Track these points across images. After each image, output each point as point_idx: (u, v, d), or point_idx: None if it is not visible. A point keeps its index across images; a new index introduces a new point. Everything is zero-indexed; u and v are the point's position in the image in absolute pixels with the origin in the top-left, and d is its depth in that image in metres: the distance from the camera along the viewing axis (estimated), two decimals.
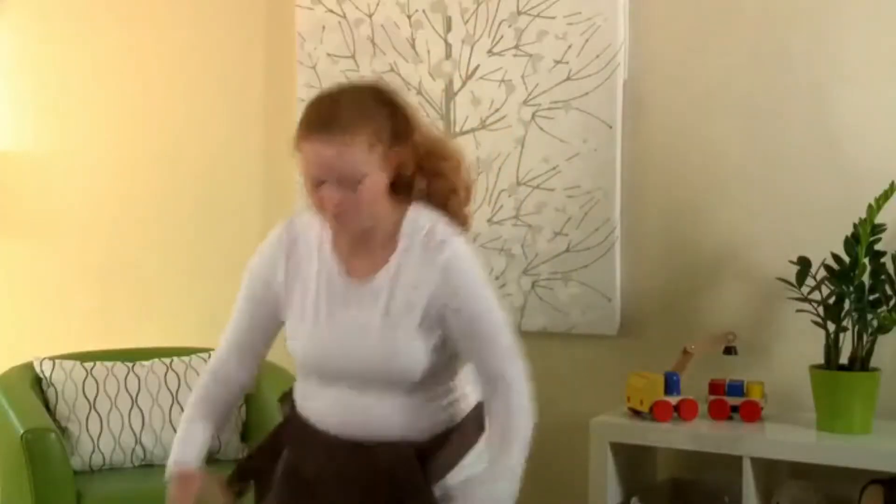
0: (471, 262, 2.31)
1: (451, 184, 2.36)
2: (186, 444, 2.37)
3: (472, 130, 3.73)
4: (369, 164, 2.21)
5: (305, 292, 2.33)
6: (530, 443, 2.38)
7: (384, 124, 2.24)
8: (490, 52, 3.71)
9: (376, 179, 2.23)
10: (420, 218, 2.30)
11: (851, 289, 3.02)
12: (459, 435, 2.38)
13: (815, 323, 3.09)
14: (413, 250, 2.28)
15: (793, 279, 3.12)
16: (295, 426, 2.40)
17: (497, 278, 3.69)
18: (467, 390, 2.43)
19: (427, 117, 3.79)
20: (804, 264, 3.12)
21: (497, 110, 3.70)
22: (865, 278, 3.05)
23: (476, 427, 2.42)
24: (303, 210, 2.40)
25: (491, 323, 2.35)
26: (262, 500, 2.43)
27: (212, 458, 3.81)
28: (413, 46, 3.81)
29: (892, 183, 3.03)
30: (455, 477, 2.36)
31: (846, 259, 3.04)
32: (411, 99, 3.78)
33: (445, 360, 2.33)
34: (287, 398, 2.46)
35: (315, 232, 2.35)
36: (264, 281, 2.42)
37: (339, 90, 2.29)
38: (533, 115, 3.66)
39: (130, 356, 3.89)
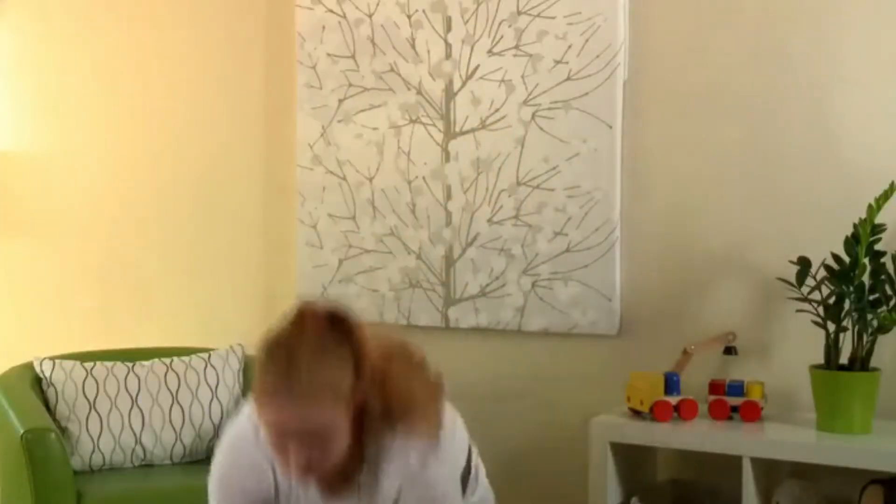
0: (448, 468, 2.22)
1: (399, 399, 2.16)
2: None
3: (472, 130, 3.73)
4: (336, 417, 2.07)
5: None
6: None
7: (345, 371, 2.08)
8: (490, 52, 3.71)
9: (344, 428, 2.08)
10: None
11: (851, 289, 3.02)
12: None
13: (815, 323, 3.09)
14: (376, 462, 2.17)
15: (793, 279, 3.12)
16: None
17: (497, 278, 3.70)
18: None
19: (428, 116, 3.79)
20: (804, 264, 3.12)
21: (497, 110, 3.70)
22: (865, 278, 3.05)
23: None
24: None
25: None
26: None
27: (212, 458, 3.82)
28: (413, 46, 3.81)
29: (892, 183, 3.03)
30: None
31: (846, 259, 3.04)
32: (411, 99, 3.81)
33: None
34: None
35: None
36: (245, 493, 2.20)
37: (297, 344, 2.07)
38: (533, 115, 3.66)
39: (130, 356, 3.89)
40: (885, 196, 3.02)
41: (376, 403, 2.13)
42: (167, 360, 3.85)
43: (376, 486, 2.16)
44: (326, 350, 2.06)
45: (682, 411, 3.19)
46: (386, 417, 2.14)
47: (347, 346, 2.09)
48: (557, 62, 3.61)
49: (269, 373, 2.06)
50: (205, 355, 3.90)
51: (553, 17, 3.61)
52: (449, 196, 3.78)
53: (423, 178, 3.81)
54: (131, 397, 3.76)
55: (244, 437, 2.19)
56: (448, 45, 3.77)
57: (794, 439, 3.06)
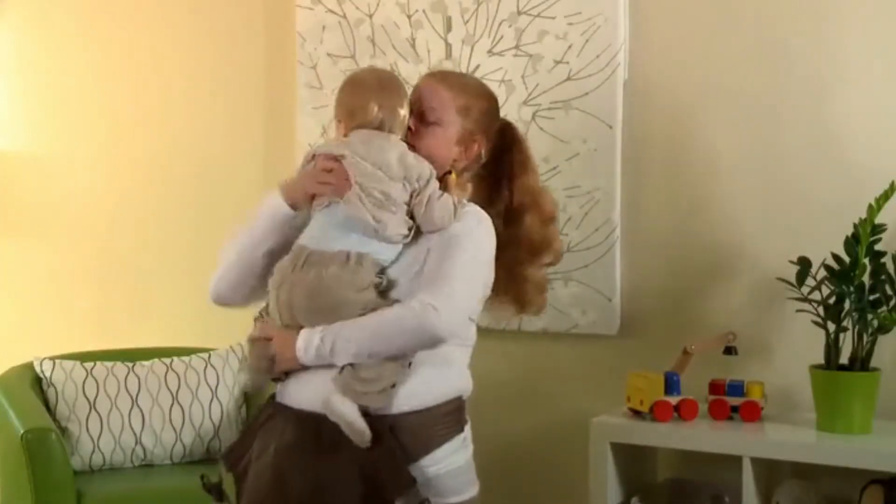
0: (483, 225, 2.41)
1: (537, 238, 2.53)
2: None
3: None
4: (450, 120, 2.46)
5: None
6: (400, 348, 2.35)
7: (490, 117, 2.53)
8: (490, 52, 3.71)
9: (446, 137, 2.45)
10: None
11: (851, 289, 3.02)
12: (434, 420, 2.39)
13: (816, 323, 3.09)
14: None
15: (793, 279, 3.12)
16: (267, 412, 2.46)
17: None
18: (451, 374, 2.44)
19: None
20: (804, 264, 3.12)
21: None
22: (865, 278, 3.05)
23: (454, 420, 2.41)
24: None
25: (456, 262, 2.35)
26: (241, 492, 2.45)
27: (212, 458, 3.83)
28: (413, 46, 3.81)
29: (892, 183, 3.03)
30: (429, 465, 2.37)
31: (846, 259, 3.04)
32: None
33: None
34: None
35: None
36: None
37: (479, 80, 2.69)
38: (533, 115, 3.66)
39: (130, 356, 3.89)
40: (886, 196, 3.02)
41: (523, 202, 2.53)
42: (167, 360, 3.86)
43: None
44: (487, 95, 2.57)
45: (682, 411, 3.19)
46: (531, 225, 2.53)
47: (502, 124, 2.60)
48: (557, 62, 3.61)
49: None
50: (205, 355, 3.90)
51: (553, 17, 3.61)
52: None
53: None
54: (131, 397, 3.76)
55: None
56: (448, 45, 3.77)
57: (794, 439, 3.06)
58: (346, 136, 2.43)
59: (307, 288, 2.33)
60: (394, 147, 2.39)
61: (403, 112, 2.43)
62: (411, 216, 2.38)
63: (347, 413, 2.29)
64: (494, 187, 2.54)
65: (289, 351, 2.34)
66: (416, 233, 2.39)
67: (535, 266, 2.56)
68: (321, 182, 2.38)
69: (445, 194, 2.38)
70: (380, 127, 2.41)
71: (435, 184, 2.38)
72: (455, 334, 2.35)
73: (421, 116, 2.45)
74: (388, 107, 2.41)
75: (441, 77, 2.54)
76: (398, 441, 2.33)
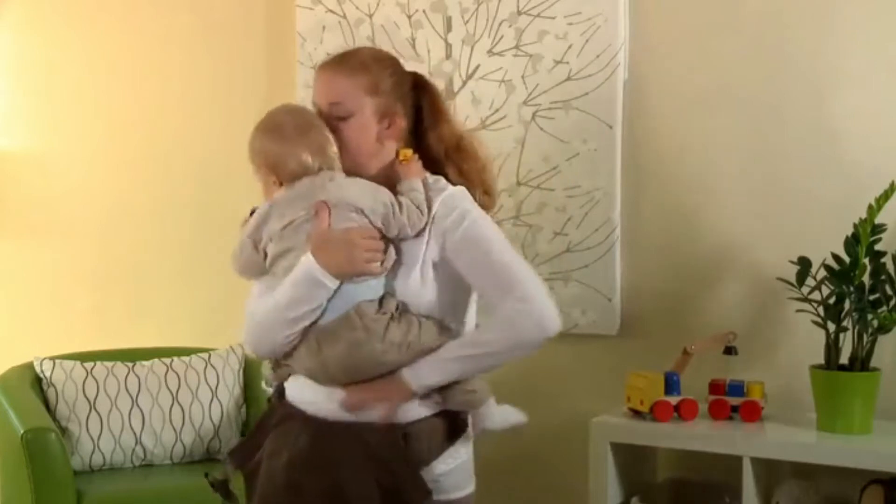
0: (469, 204, 2.35)
1: (474, 184, 2.42)
2: None
3: (473, 130, 3.72)
4: (361, 105, 2.37)
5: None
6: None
7: (394, 81, 2.43)
8: (490, 52, 3.71)
9: (364, 123, 2.37)
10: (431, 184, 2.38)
11: (851, 289, 3.02)
12: (444, 424, 2.37)
13: (816, 323, 3.09)
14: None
15: (793, 279, 3.12)
16: (280, 413, 2.41)
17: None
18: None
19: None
20: (804, 264, 3.12)
21: (497, 110, 3.70)
22: (865, 278, 3.05)
23: (461, 420, 2.41)
24: None
25: (496, 251, 2.33)
26: (252, 491, 2.43)
27: (212, 458, 3.83)
28: (413, 46, 3.81)
29: (893, 183, 3.03)
30: (437, 465, 2.35)
31: (846, 259, 3.04)
32: None
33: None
34: (276, 390, 2.48)
35: None
36: None
37: (370, 48, 2.56)
38: (533, 115, 3.66)
39: (130, 356, 3.89)
40: (886, 196, 3.02)
41: (452, 175, 2.40)
42: (167, 360, 3.86)
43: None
44: (385, 60, 2.49)
45: (682, 411, 3.19)
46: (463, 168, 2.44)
47: (409, 79, 2.49)
48: (557, 62, 3.61)
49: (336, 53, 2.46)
50: (205, 355, 3.90)
51: (553, 17, 3.61)
52: None
53: None
54: (131, 397, 3.76)
55: None
56: (448, 45, 3.77)
57: (795, 439, 3.06)
58: (280, 186, 2.37)
59: (341, 367, 2.28)
60: (360, 186, 2.34)
61: (332, 147, 2.36)
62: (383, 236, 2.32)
63: (514, 417, 2.44)
64: (416, 144, 2.45)
65: (399, 396, 2.27)
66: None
67: None
68: (370, 260, 2.28)
69: (401, 198, 2.32)
70: (320, 171, 2.34)
71: (393, 198, 2.32)
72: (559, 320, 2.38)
73: (332, 114, 2.38)
74: (318, 150, 2.34)
75: (335, 65, 2.44)
76: (411, 448, 2.30)
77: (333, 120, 2.37)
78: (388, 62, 2.47)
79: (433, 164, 2.41)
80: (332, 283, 2.25)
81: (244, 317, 2.42)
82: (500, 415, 2.46)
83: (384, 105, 2.40)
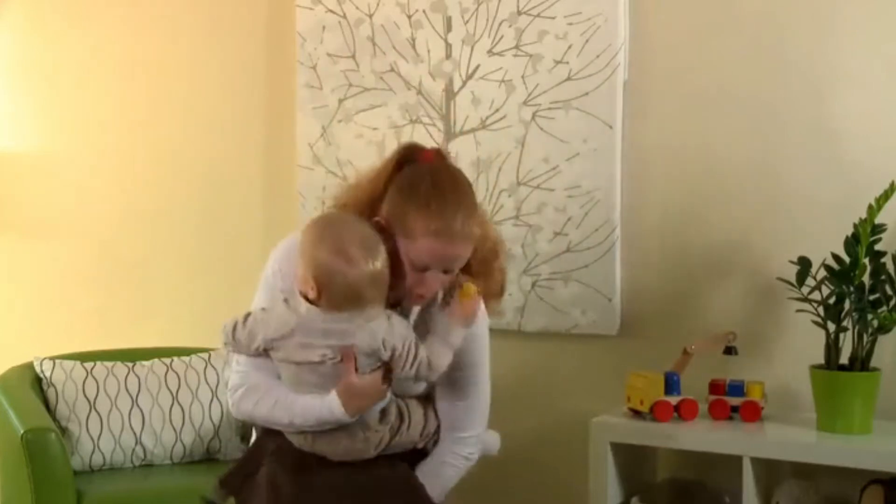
0: (484, 323, 2.48)
1: (499, 282, 2.54)
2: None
3: (472, 130, 3.73)
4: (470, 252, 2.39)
5: None
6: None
7: (476, 220, 2.39)
8: (490, 52, 3.71)
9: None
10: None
11: (851, 289, 3.02)
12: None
13: (816, 323, 3.09)
14: (434, 303, 2.45)
15: (793, 279, 3.12)
16: (278, 445, 2.47)
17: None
18: None
19: (429, 116, 3.79)
20: (804, 264, 3.12)
21: (497, 110, 3.70)
22: (865, 278, 3.05)
23: None
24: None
25: (478, 379, 2.51)
26: None
27: (212, 458, 3.83)
28: (413, 46, 3.81)
29: (893, 183, 3.03)
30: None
31: (846, 259, 3.04)
32: (411, 99, 3.81)
33: None
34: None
35: None
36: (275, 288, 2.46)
37: (450, 176, 2.39)
38: (533, 115, 3.66)
39: (130, 356, 3.89)
40: (886, 196, 3.02)
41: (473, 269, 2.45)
42: (167, 360, 3.86)
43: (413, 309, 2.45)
44: (474, 205, 2.38)
45: (682, 411, 3.19)
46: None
47: (472, 193, 2.41)
48: (557, 62, 3.61)
49: (418, 208, 2.32)
50: (205, 355, 3.90)
51: (553, 17, 3.61)
52: None
53: None
54: (131, 397, 3.76)
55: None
56: (448, 45, 3.77)
57: (794, 439, 3.06)
58: (317, 297, 2.33)
59: (330, 453, 2.41)
60: (399, 330, 2.37)
61: (386, 280, 2.35)
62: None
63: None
64: None
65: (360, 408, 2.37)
66: None
67: None
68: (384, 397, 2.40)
69: (422, 348, 2.36)
70: (364, 305, 2.32)
71: (413, 342, 2.37)
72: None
73: (439, 269, 2.36)
74: (374, 284, 2.31)
75: (457, 230, 2.33)
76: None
77: (439, 273, 2.37)
78: (475, 199, 2.44)
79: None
80: (349, 420, 2.36)
81: (230, 391, 2.49)
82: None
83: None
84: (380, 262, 2.30)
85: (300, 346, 2.32)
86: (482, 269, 2.47)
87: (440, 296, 2.43)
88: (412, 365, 2.33)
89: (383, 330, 2.31)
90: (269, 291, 2.42)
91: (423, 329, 2.40)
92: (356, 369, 2.30)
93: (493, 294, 2.52)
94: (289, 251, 2.40)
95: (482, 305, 2.45)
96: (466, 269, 2.43)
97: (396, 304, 2.40)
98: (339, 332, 2.30)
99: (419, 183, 2.35)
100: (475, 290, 2.39)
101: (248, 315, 2.39)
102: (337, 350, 2.30)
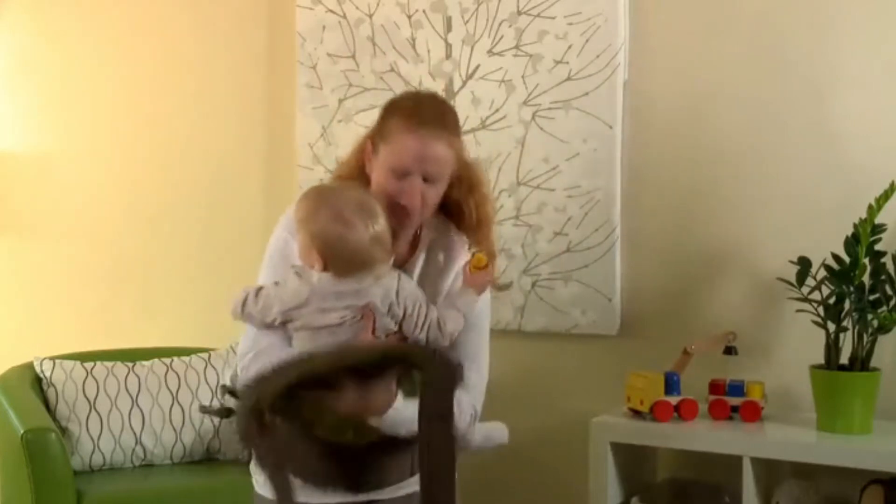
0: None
1: (485, 215, 2.48)
2: None
3: (472, 130, 3.73)
4: (448, 169, 2.36)
5: None
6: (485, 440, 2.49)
7: (457, 129, 2.40)
8: (490, 52, 3.71)
9: (445, 180, 2.37)
10: (440, 225, 2.44)
11: (851, 289, 3.02)
12: None
13: (816, 323, 3.09)
14: (435, 251, 2.41)
15: (793, 279, 3.12)
16: None
17: (497, 278, 3.70)
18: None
19: None
20: (804, 264, 3.12)
21: (497, 110, 3.70)
22: (865, 278, 3.05)
23: None
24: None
25: (478, 334, 2.44)
26: None
27: (212, 458, 3.83)
28: (413, 46, 3.81)
29: (893, 183, 3.03)
30: None
31: (846, 259, 3.04)
32: None
33: None
34: None
35: None
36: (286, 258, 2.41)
37: (433, 96, 2.51)
38: (533, 115, 3.66)
39: (130, 356, 3.89)
40: (886, 196, 3.02)
41: (472, 211, 2.43)
42: (167, 360, 3.86)
43: (414, 271, 2.41)
44: (457, 118, 2.40)
45: (682, 411, 3.19)
46: (461, 218, 2.45)
47: (456, 116, 2.41)
48: (557, 62, 3.61)
49: (419, 106, 2.36)
50: (205, 355, 3.90)
51: (553, 17, 3.61)
52: None
53: None
54: (131, 397, 3.76)
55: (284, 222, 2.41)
56: (448, 45, 3.77)
57: (794, 439, 3.06)
58: (323, 268, 2.31)
59: None
60: (409, 289, 2.35)
61: (388, 236, 2.33)
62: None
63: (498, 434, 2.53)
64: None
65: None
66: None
67: None
68: None
69: (433, 312, 2.34)
70: (372, 265, 2.31)
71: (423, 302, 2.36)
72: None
73: (422, 174, 2.33)
74: (378, 242, 2.29)
75: (435, 128, 2.34)
76: None
77: (424, 182, 2.34)
78: (455, 117, 2.43)
79: (450, 207, 2.45)
80: None
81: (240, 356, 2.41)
82: (481, 437, 2.52)
83: (455, 166, 2.40)
84: (380, 223, 2.29)
85: (318, 312, 2.31)
86: (473, 220, 2.46)
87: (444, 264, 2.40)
88: (424, 325, 2.31)
89: (395, 286, 2.31)
90: (282, 262, 2.37)
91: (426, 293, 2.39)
92: (374, 330, 2.28)
93: (485, 236, 2.48)
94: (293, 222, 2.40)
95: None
96: (458, 215, 2.43)
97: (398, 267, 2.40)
98: (352, 293, 2.29)
99: (402, 98, 2.43)
100: (486, 260, 2.38)
101: (259, 289, 2.37)
102: (355, 310, 2.29)
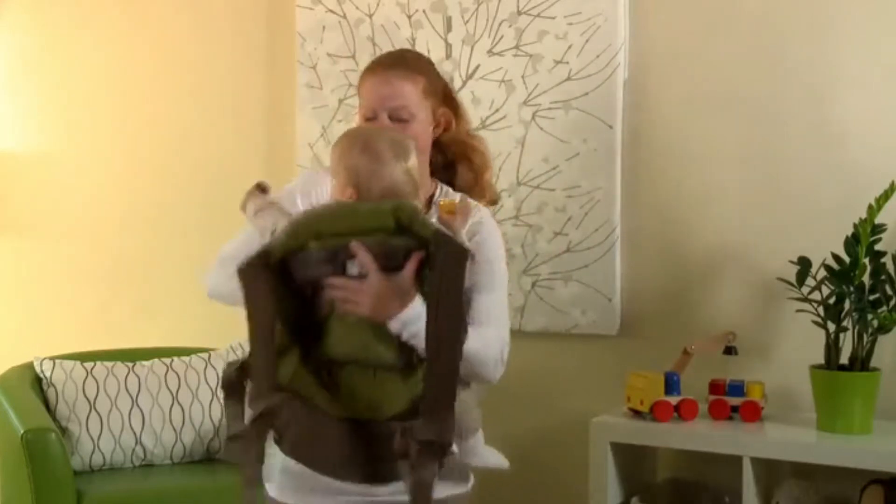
0: (496, 229, 2.41)
1: (483, 189, 2.51)
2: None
3: (473, 130, 3.72)
4: (420, 108, 2.39)
5: None
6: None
7: (438, 83, 2.46)
8: (490, 52, 3.71)
9: (423, 126, 2.40)
10: (450, 191, 2.44)
11: (851, 289, 3.02)
12: None
13: (816, 323, 3.09)
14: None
15: (793, 279, 3.12)
16: None
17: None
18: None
19: None
20: (804, 264, 3.12)
21: (497, 110, 3.70)
22: (865, 278, 3.05)
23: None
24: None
25: (496, 278, 2.36)
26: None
27: (212, 458, 3.82)
28: (413, 46, 3.81)
29: (893, 183, 3.03)
30: None
31: (846, 259, 3.04)
32: None
33: None
34: None
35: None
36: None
37: (407, 49, 2.66)
38: (533, 115, 3.66)
39: (130, 356, 3.89)
40: (886, 196, 3.02)
41: (467, 175, 2.50)
42: (167, 360, 3.86)
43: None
44: (428, 62, 2.49)
45: (682, 411, 3.19)
46: (463, 175, 2.51)
47: (443, 80, 2.49)
48: (557, 62, 3.61)
49: (380, 55, 2.52)
50: (205, 355, 3.90)
51: (553, 17, 3.61)
52: None
53: None
54: (131, 397, 3.76)
55: (292, 184, 2.54)
56: (448, 45, 3.77)
57: (794, 439, 3.06)
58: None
59: None
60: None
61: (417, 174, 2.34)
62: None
63: (494, 459, 2.46)
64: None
65: (386, 309, 2.15)
66: None
67: None
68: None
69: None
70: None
71: None
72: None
73: (392, 117, 2.38)
74: (408, 175, 2.29)
75: (391, 67, 2.42)
76: None
77: (393, 123, 2.38)
78: (432, 64, 2.50)
79: (446, 166, 2.46)
80: None
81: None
82: (483, 455, 2.47)
83: (434, 107, 2.45)
84: (412, 159, 2.30)
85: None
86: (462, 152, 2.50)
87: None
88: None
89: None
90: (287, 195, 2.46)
91: None
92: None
93: (483, 189, 2.50)
94: (309, 176, 2.46)
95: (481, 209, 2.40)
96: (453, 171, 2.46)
97: None
98: None
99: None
100: (453, 203, 2.34)
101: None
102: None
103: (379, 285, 2.13)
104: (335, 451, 2.17)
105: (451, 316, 2.10)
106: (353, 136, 2.34)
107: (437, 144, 2.47)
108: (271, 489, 2.38)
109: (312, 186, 2.46)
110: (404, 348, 2.17)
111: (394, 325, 2.14)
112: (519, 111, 3.67)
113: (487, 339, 2.29)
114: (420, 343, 2.13)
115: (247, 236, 2.43)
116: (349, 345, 2.18)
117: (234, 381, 2.25)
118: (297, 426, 2.19)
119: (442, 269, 2.10)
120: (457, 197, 2.40)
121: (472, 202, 2.37)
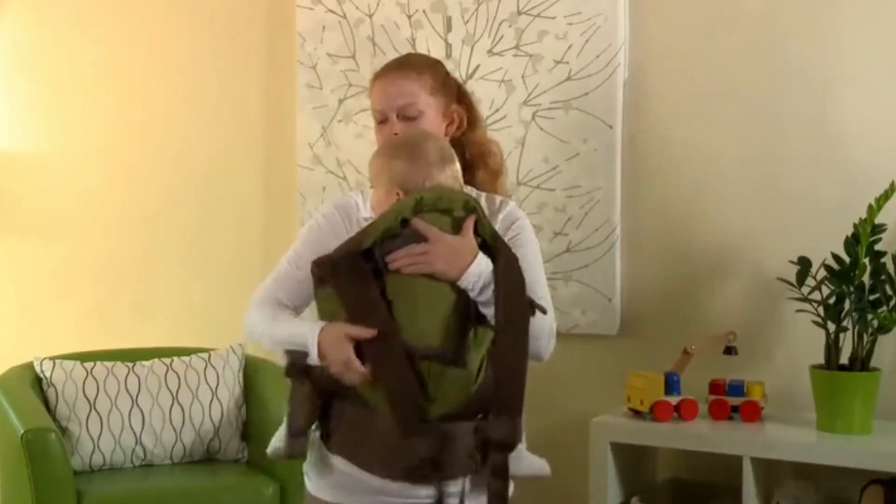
0: (524, 216, 2.44)
1: (497, 190, 2.52)
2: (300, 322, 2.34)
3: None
4: (428, 105, 2.44)
5: None
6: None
7: (448, 82, 2.51)
8: (490, 52, 3.71)
9: (434, 123, 2.44)
10: (473, 191, 2.45)
11: (851, 289, 3.02)
12: None
13: (816, 323, 3.09)
14: None
15: (793, 279, 3.12)
16: None
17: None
18: None
19: None
20: (804, 264, 3.12)
21: (497, 110, 3.70)
22: (865, 278, 3.05)
23: None
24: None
25: (536, 258, 2.41)
26: None
27: (212, 458, 3.83)
28: (413, 46, 3.81)
29: (893, 183, 3.03)
30: None
31: (846, 259, 3.04)
32: None
33: None
34: None
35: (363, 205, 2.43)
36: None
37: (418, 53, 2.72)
38: (533, 115, 3.66)
39: (131, 356, 3.89)
40: (886, 196, 3.02)
41: (484, 177, 2.51)
42: (167, 360, 3.86)
43: None
44: (436, 63, 2.55)
45: (682, 411, 3.19)
46: (480, 177, 2.52)
47: (455, 82, 2.56)
48: (557, 62, 3.61)
49: (389, 61, 2.55)
50: (205, 355, 3.90)
51: (553, 17, 3.62)
52: None
53: None
54: (131, 397, 3.76)
55: (350, 198, 2.44)
56: (448, 45, 3.77)
57: (794, 439, 3.06)
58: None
59: None
60: None
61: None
62: None
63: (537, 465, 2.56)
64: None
65: (457, 262, 2.21)
66: None
67: None
68: None
69: None
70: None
71: None
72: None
73: (401, 115, 2.43)
74: (454, 178, 2.33)
75: (396, 69, 2.49)
76: None
77: (403, 122, 2.43)
78: (440, 65, 2.55)
79: (463, 167, 2.44)
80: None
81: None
82: (527, 461, 2.56)
83: (444, 104, 2.48)
84: (456, 164, 2.34)
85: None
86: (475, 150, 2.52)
87: None
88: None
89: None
90: (317, 236, 2.36)
91: None
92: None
93: (497, 190, 2.52)
94: (333, 209, 2.39)
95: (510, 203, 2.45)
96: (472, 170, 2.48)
97: None
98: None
99: None
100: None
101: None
102: None
103: (446, 242, 2.20)
104: (382, 448, 2.23)
105: (517, 305, 2.22)
106: (396, 144, 2.37)
107: (456, 145, 2.48)
108: (311, 487, 2.37)
109: (345, 213, 2.40)
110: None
111: (467, 279, 2.20)
112: (519, 111, 3.68)
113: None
114: (489, 302, 2.20)
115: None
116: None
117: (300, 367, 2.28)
118: (345, 424, 2.26)
119: (504, 265, 2.21)
120: (482, 197, 2.43)
121: (497, 197, 2.45)
